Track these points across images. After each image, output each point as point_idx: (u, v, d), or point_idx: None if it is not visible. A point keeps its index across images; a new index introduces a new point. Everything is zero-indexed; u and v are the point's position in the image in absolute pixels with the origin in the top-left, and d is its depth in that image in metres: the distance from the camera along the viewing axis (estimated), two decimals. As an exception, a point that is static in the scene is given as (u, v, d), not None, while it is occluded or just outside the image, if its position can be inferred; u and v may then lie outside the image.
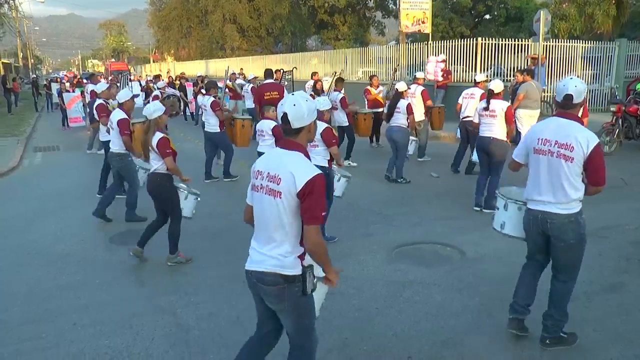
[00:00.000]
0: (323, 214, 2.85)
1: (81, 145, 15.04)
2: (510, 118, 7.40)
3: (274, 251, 2.95)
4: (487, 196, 7.54)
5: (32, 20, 69.12)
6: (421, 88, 10.70)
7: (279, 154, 2.99)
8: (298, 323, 3.08)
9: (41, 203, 8.99)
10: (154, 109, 5.80)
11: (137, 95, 10.23)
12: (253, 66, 30.53)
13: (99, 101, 9.08)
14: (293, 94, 3.01)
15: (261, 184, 2.99)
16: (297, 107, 2.91)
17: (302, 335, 3.13)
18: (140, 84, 22.40)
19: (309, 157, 2.98)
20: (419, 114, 10.28)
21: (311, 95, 12.61)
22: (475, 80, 10.37)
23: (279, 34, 44.03)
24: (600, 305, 4.40)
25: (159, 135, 5.76)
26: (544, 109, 13.92)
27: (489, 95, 7.57)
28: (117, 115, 7.52)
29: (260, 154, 8.41)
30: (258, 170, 3.05)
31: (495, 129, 7.42)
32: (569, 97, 3.82)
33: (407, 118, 9.15)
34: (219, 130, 9.96)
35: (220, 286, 5.35)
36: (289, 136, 2.99)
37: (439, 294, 4.98)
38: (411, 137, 9.69)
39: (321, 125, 7.88)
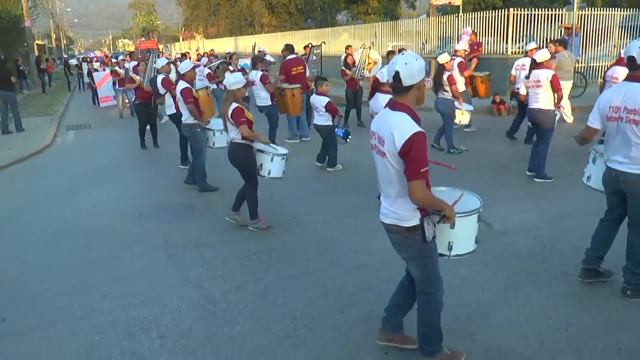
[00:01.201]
0: (423, 169, 2.96)
1: (112, 123, 15.33)
2: (556, 85, 7.31)
3: (393, 206, 3.20)
4: (537, 165, 7.55)
5: (63, 2, 69.89)
6: (458, 60, 10.60)
7: (387, 115, 3.13)
8: (422, 271, 3.33)
9: (74, 179, 9.21)
10: (234, 81, 5.95)
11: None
12: (282, 42, 30.24)
13: (161, 76, 9.29)
14: (403, 54, 3.10)
15: (373, 144, 3.24)
16: (409, 65, 3.00)
17: (427, 282, 3.36)
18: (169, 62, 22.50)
19: (414, 117, 3.03)
20: (460, 86, 10.18)
21: (342, 70, 12.52)
22: (525, 50, 10.45)
23: (308, 9, 43.54)
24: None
25: (234, 105, 5.91)
26: (577, 80, 13.54)
27: (532, 65, 7.54)
28: (180, 85, 7.72)
29: (316, 126, 8.57)
30: (372, 131, 3.26)
31: (541, 99, 7.37)
32: (632, 59, 3.91)
33: (450, 89, 9.25)
34: (270, 103, 10.12)
35: (247, 260, 5.41)
36: (397, 95, 3.10)
37: (465, 267, 4.92)
38: (462, 107, 9.64)
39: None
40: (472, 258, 5.03)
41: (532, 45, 10.04)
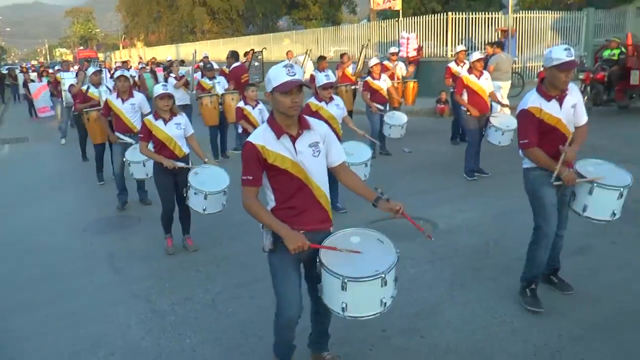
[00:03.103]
0: (243, 177, 2.98)
1: (51, 136, 14.79)
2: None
3: None
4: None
5: (-6, 10, 66.99)
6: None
7: None
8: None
9: (11, 195, 8.86)
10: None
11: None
12: (224, 49, 30.07)
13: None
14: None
15: None
16: None
17: (275, 293, 3.22)
18: (109, 71, 21.98)
19: (272, 125, 2.98)
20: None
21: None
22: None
23: (249, 15, 43.45)
24: (568, 266, 4.49)
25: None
26: (514, 80, 14.04)
27: None
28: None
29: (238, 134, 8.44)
30: None
31: None
32: None
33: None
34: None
35: (195, 270, 5.34)
36: None
37: (412, 267, 5.03)
38: (385, 118, 9.17)
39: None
40: (419, 257, 5.19)
41: (459, 47, 10.54)
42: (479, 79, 7.66)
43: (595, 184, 3.90)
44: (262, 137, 2.97)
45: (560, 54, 3.73)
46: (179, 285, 5.02)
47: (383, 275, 2.87)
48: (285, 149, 2.97)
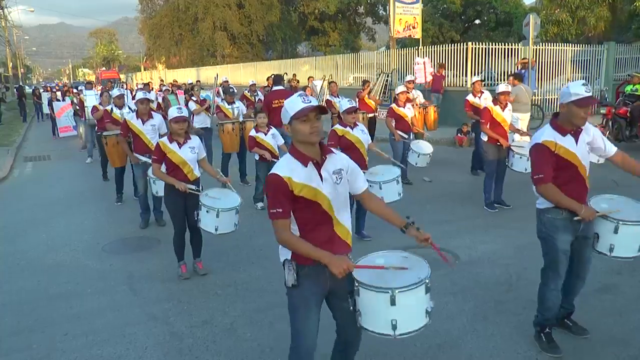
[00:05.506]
0: (271, 211, 2.88)
1: (72, 154, 15.00)
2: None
3: None
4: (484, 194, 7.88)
5: (21, 29, 68.72)
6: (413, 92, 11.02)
7: None
8: (290, 318, 3.08)
9: (32, 213, 8.92)
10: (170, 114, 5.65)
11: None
12: (244, 73, 30.52)
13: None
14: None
15: None
16: None
17: (292, 334, 3.09)
18: (131, 93, 22.30)
19: (296, 155, 2.89)
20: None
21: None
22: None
23: (269, 40, 44.12)
24: (594, 306, 4.40)
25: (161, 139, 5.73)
26: (534, 112, 14.01)
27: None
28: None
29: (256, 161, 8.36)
30: None
31: None
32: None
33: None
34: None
35: (213, 294, 5.32)
36: None
37: (434, 297, 4.83)
38: (412, 146, 9.12)
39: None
40: (440, 288, 5.11)
41: (476, 78, 10.50)
42: (503, 110, 7.65)
43: (620, 222, 3.69)
44: (287, 168, 2.86)
45: (579, 89, 3.60)
46: (197, 308, 5.00)
47: (427, 281, 2.90)
48: (310, 178, 2.87)
